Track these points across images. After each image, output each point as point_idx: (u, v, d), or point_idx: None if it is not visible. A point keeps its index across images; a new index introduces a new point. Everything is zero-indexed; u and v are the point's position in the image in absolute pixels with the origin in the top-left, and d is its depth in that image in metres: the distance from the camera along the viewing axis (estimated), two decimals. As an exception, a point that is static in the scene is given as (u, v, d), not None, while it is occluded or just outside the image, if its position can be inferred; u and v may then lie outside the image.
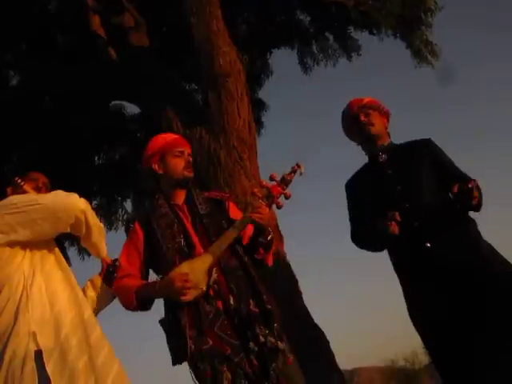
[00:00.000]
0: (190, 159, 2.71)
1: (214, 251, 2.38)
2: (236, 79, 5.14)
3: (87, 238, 2.70)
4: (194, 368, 2.25)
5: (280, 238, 4.71)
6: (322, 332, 4.45)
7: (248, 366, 2.24)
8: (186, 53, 6.79)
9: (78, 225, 2.59)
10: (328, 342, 4.43)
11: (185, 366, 2.34)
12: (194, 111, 5.44)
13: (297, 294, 4.50)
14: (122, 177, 7.66)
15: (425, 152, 2.94)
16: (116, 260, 2.75)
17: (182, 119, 5.24)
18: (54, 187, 2.74)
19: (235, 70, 5.17)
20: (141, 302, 2.44)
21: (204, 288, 2.33)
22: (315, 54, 8.05)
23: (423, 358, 36.55)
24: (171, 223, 2.54)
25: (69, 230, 2.60)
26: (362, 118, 3.00)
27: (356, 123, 3.03)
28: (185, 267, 2.35)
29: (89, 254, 6.77)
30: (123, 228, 7.93)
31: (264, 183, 2.52)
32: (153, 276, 2.61)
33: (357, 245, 3.06)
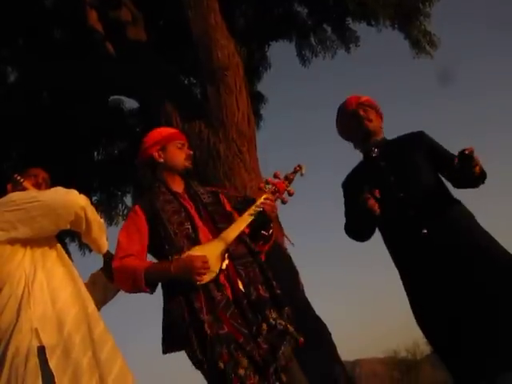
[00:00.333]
0: (191, 152, 2.77)
1: (227, 237, 2.43)
2: (234, 72, 5.13)
3: (88, 234, 2.70)
4: (211, 352, 2.22)
5: (280, 229, 4.72)
6: (324, 324, 4.46)
7: (257, 354, 2.25)
8: (184, 47, 6.77)
9: (78, 221, 2.59)
10: (330, 334, 4.44)
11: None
12: (193, 105, 5.44)
13: (298, 286, 4.51)
14: (121, 172, 7.65)
15: (417, 143, 2.98)
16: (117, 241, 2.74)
17: (180, 113, 5.23)
18: (53, 184, 2.74)
19: (233, 63, 5.16)
20: (149, 283, 2.39)
21: (217, 271, 2.35)
22: (313, 46, 8.01)
23: (425, 349, 36.67)
24: (178, 210, 2.55)
25: (69, 227, 2.61)
26: (362, 113, 3.05)
27: (355, 118, 3.06)
28: (197, 251, 2.37)
29: (90, 250, 6.77)
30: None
31: (270, 180, 2.62)
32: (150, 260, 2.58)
33: (349, 235, 3.10)
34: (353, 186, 3.09)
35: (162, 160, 2.69)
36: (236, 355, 2.22)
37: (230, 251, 2.44)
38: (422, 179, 2.87)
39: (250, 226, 2.57)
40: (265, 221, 2.57)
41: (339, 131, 3.26)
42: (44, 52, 6.65)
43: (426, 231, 2.72)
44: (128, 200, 8.17)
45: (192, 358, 2.33)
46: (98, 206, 7.78)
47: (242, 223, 2.49)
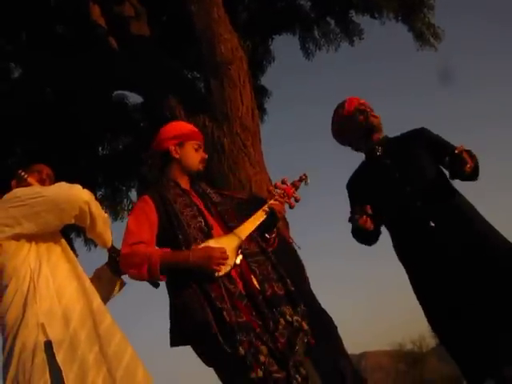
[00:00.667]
0: (205, 156, 2.79)
1: (241, 233, 2.46)
2: (238, 66, 5.12)
3: (92, 229, 2.70)
4: (230, 340, 2.21)
5: (286, 223, 4.72)
6: (330, 317, 4.47)
7: (274, 346, 2.26)
8: (187, 41, 6.77)
9: (83, 216, 2.59)
10: (336, 327, 4.45)
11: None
12: (197, 99, 5.43)
13: (304, 280, 4.52)
14: (126, 167, 7.66)
15: (419, 138, 3.00)
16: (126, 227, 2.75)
17: (184, 107, 5.23)
18: (58, 179, 2.74)
19: (237, 57, 5.15)
20: (164, 271, 2.37)
21: (232, 265, 2.37)
22: (317, 39, 7.98)
23: (430, 341, 36.70)
24: (189, 204, 2.55)
25: (73, 222, 2.61)
26: (368, 109, 3.06)
27: (360, 113, 3.06)
28: (213, 243, 2.38)
29: (95, 245, 6.78)
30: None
31: (278, 184, 2.69)
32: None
33: (356, 240, 3.11)
34: (356, 188, 3.11)
35: (177, 156, 2.69)
36: (256, 343, 2.23)
37: (242, 249, 2.44)
38: (426, 173, 2.89)
39: (259, 225, 2.58)
40: (271, 223, 2.61)
41: (337, 132, 3.23)
42: (47, 48, 6.65)
43: (433, 224, 2.72)
44: (133, 195, 8.19)
45: (206, 350, 2.33)
46: (102, 201, 7.80)
47: (255, 220, 2.53)
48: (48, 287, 2.46)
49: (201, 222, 2.49)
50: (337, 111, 3.17)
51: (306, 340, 2.39)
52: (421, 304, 2.86)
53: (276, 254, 2.66)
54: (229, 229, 2.51)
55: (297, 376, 2.26)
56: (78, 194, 2.56)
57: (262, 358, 2.20)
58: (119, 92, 7.61)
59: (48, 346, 2.33)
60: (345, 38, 7.89)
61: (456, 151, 2.63)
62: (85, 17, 6.08)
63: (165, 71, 5.71)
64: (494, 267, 2.58)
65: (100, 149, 7.94)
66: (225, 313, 2.23)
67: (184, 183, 2.68)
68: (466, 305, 2.60)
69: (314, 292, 4.55)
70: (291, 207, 2.67)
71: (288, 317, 2.35)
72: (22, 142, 7.19)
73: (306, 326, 2.39)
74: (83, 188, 2.60)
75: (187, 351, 2.36)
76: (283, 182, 2.69)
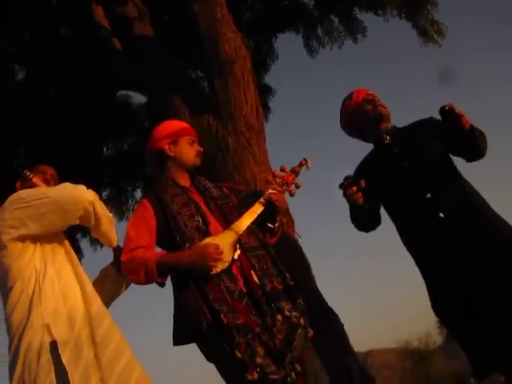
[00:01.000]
0: (201, 149, 2.75)
1: (237, 227, 2.43)
2: (242, 65, 5.12)
3: (97, 229, 2.70)
4: (227, 342, 2.22)
5: (291, 222, 4.72)
6: (336, 315, 4.46)
7: (273, 344, 2.26)
8: (191, 41, 6.77)
9: (87, 216, 2.59)
10: (342, 325, 4.44)
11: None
12: (201, 98, 5.44)
13: (309, 278, 4.51)
14: (131, 167, 7.67)
15: (428, 127, 2.98)
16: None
17: (188, 107, 5.23)
18: (63, 180, 2.73)
19: (241, 55, 5.15)
20: (162, 273, 2.38)
21: (229, 261, 2.35)
22: (320, 37, 7.99)
23: (437, 339, 36.61)
24: (187, 203, 2.54)
25: (78, 222, 2.61)
26: (377, 99, 3.05)
27: (368, 103, 3.05)
28: (209, 241, 2.36)
29: (101, 245, 6.79)
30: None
31: (277, 173, 2.63)
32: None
33: (355, 226, 3.08)
34: (364, 175, 3.07)
35: (172, 154, 2.68)
36: (253, 344, 2.22)
37: (242, 243, 2.44)
38: (435, 163, 2.87)
39: (257, 218, 2.57)
40: (272, 213, 2.57)
41: (345, 124, 3.22)
42: (51, 49, 6.66)
43: (442, 215, 2.72)
44: (138, 194, 8.21)
45: (206, 348, 2.35)
46: (108, 202, 7.82)
47: (252, 213, 2.49)
48: (53, 288, 2.47)
49: (198, 221, 2.48)
50: (345, 103, 3.16)
51: (304, 335, 2.38)
52: (429, 293, 2.85)
53: (281, 251, 2.65)
54: (228, 223, 2.49)
55: (292, 373, 2.26)
56: (82, 195, 2.57)
57: (258, 360, 2.20)
58: (123, 92, 7.63)
59: (53, 346, 2.33)
60: (348, 36, 7.89)
61: (446, 108, 2.59)
62: (88, 17, 6.09)
63: (168, 71, 5.72)
64: (503, 257, 2.58)
65: (105, 149, 7.96)
66: (222, 315, 2.23)
67: (184, 180, 2.67)
68: (475, 296, 2.59)
69: (320, 290, 4.55)
70: (291, 195, 2.62)
71: (286, 312, 2.34)
72: (27, 142, 7.20)
73: (304, 322, 2.38)
74: (88, 188, 2.61)
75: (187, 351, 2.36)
76: (282, 170, 2.64)
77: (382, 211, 3.04)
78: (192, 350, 2.39)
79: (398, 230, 2.98)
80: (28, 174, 2.78)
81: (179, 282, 2.41)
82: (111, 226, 2.77)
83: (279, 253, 2.60)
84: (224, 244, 2.37)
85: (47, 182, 2.81)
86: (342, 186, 2.74)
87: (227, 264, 2.34)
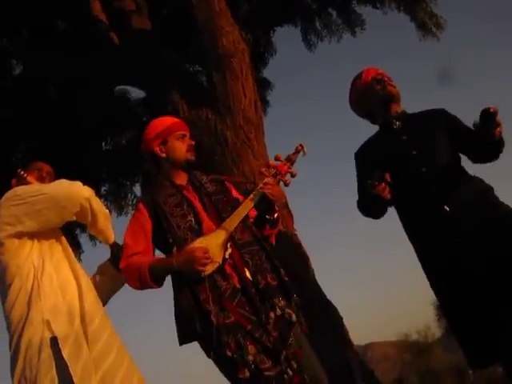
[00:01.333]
0: (193, 143, 2.72)
1: (228, 226, 2.42)
2: (240, 59, 5.11)
3: (94, 225, 2.71)
4: (217, 342, 2.24)
5: (290, 216, 4.72)
6: (335, 308, 4.47)
7: (267, 341, 2.26)
8: (189, 34, 6.74)
9: (84, 212, 2.60)
10: (341, 318, 4.45)
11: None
12: (199, 93, 5.42)
13: (308, 271, 4.52)
14: (129, 162, 7.65)
15: (439, 119, 2.95)
16: (123, 241, 2.77)
17: (187, 101, 5.21)
18: (62, 176, 2.74)
19: (239, 49, 5.14)
20: (155, 278, 2.41)
21: (220, 261, 2.35)
22: (319, 31, 7.96)
23: (436, 331, 36.72)
24: (179, 203, 2.54)
25: (74, 219, 2.62)
26: (386, 78, 3.01)
27: (377, 83, 3.01)
28: (200, 242, 2.36)
29: (100, 241, 6.79)
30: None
31: (271, 163, 2.59)
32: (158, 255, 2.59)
33: (361, 213, 3.06)
34: (367, 157, 3.04)
35: (164, 155, 2.66)
36: (244, 343, 2.23)
37: (235, 240, 2.43)
38: (443, 155, 2.84)
39: (256, 211, 2.58)
40: (268, 205, 2.54)
41: (354, 103, 3.18)
42: (48, 44, 6.63)
43: (447, 208, 2.71)
44: (137, 189, 8.19)
45: (202, 347, 2.36)
46: (107, 197, 7.82)
47: (242, 210, 2.47)
48: (52, 284, 2.48)
49: (191, 220, 2.48)
50: (354, 82, 3.12)
51: (299, 331, 2.38)
52: (431, 285, 2.84)
53: (280, 245, 2.65)
54: (222, 220, 2.47)
55: (288, 370, 2.26)
56: (78, 191, 2.57)
57: (249, 358, 2.21)
58: (121, 87, 7.59)
59: (54, 341, 2.35)
60: (347, 29, 7.86)
61: (491, 109, 2.54)
62: (85, 12, 6.06)
63: (167, 65, 5.70)
64: (506, 249, 2.57)
65: (103, 144, 7.93)
66: (212, 316, 2.24)
67: (180, 179, 2.66)
68: (477, 289, 2.58)
69: (319, 283, 4.55)
70: (286, 185, 2.57)
71: (278, 310, 2.33)
72: (25, 138, 7.19)
73: (297, 318, 2.37)
74: (87, 184, 2.61)
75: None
76: (277, 159, 2.60)
77: None
78: (190, 347, 2.41)
79: (401, 219, 2.97)
80: (22, 173, 2.78)
81: (175, 283, 2.43)
82: (108, 223, 2.78)
83: (278, 247, 2.60)
84: (214, 244, 2.36)
85: (43, 179, 2.82)
86: (369, 185, 2.67)
87: (217, 265, 2.34)
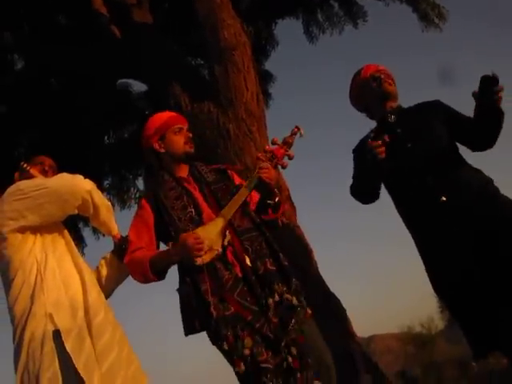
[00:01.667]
0: (190, 135, 2.74)
1: (225, 213, 2.44)
2: (242, 52, 5.10)
3: (96, 218, 2.73)
4: (215, 334, 2.27)
5: (293, 209, 4.73)
6: (338, 300, 4.48)
7: (268, 330, 2.27)
8: (190, 28, 6.73)
9: (86, 205, 2.61)
10: (344, 310, 4.46)
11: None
12: (201, 86, 5.41)
13: (311, 264, 4.53)
14: (132, 155, 7.64)
15: (434, 110, 2.97)
16: (128, 236, 2.78)
17: (189, 94, 5.22)
18: (64, 169, 2.74)
19: (240, 42, 5.13)
20: (156, 271, 2.43)
21: (219, 249, 2.36)
22: (320, 23, 7.94)
23: (439, 323, 36.72)
24: (180, 195, 2.56)
25: (76, 212, 2.63)
26: (382, 76, 3.03)
27: (374, 80, 3.04)
28: (199, 232, 2.37)
29: (103, 234, 6.80)
30: (136, 206, 7.92)
31: (267, 147, 2.60)
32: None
33: (354, 196, 3.07)
34: (364, 154, 3.05)
35: (163, 150, 2.69)
36: (242, 335, 2.25)
37: (235, 227, 2.45)
38: (438, 146, 2.85)
39: (259, 197, 2.60)
40: (266, 190, 2.55)
41: (353, 98, 3.23)
42: (50, 38, 6.63)
43: (444, 198, 2.71)
44: (140, 183, 8.20)
45: (208, 337, 2.37)
46: (109, 190, 7.82)
47: (239, 198, 2.48)
48: (55, 278, 2.49)
49: (191, 211, 2.50)
50: (354, 77, 3.18)
51: (301, 315, 2.39)
52: (431, 279, 2.85)
53: (283, 238, 2.65)
54: (221, 208, 2.49)
55: (288, 356, 2.28)
56: (80, 184, 2.58)
57: (246, 352, 2.23)
58: (123, 80, 7.58)
59: (56, 335, 2.36)
60: (349, 21, 7.83)
61: (492, 74, 2.54)
62: (87, 6, 6.05)
63: (168, 58, 5.69)
64: (505, 239, 2.57)
65: (106, 138, 7.94)
66: (212, 307, 2.25)
67: (181, 171, 2.69)
68: (480, 279, 2.59)
69: (322, 275, 4.56)
70: (283, 167, 2.59)
71: (277, 295, 2.34)
72: (27, 133, 7.19)
73: (297, 302, 2.38)
74: (90, 177, 2.62)
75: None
76: (273, 143, 2.61)
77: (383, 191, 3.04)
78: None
79: (398, 211, 2.98)
80: (25, 166, 2.79)
81: (179, 275, 2.46)
82: (110, 215, 2.79)
83: (281, 239, 2.60)
84: (212, 232, 2.38)
85: (45, 173, 2.82)
86: (368, 136, 2.72)
87: (217, 252, 2.36)
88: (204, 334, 2.36)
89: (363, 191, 3.06)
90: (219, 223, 2.41)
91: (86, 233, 7.61)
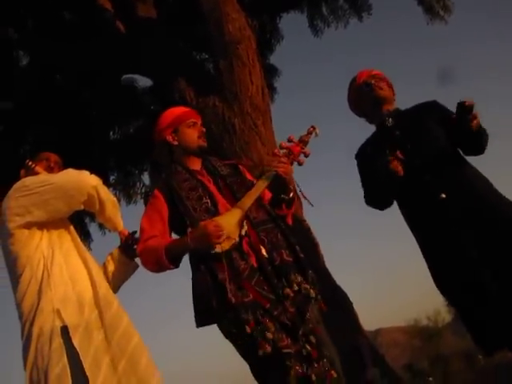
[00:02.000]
0: (204, 129, 2.76)
1: (243, 204, 2.44)
2: (247, 46, 5.09)
3: (102, 213, 2.73)
4: (235, 320, 2.25)
5: (299, 203, 4.73)
6: (345, 293, 4.48)
7: (285, 318, 2.27)
8: (195, 22, 6.72)
9: (91, 201, 2.62)
10: (351, 303, 4.47)
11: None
12: (206, 80, 5.41)
13: (318, 257, 4.53)
14: (137, 150, 7.65)
15: (430, 111, 3.00)
16: (135, 232, 2.78)
17: (194, 89, 5.22)
18: (70, 165, 2.74)
19: (245, 36, 5.12)
20: (171, 258, 2.42)
21: (237, 238, 2.37)
22: (325, 16, 7.92)
23: (446, 316, 36.66)
24: (195, 186, 2.56)
25: (82, 208, 2.63)
26: (373, 82, 3.07)
27: (366, 86, 3.08)
28: (215, 221, 2.37)
29: (109, 229, 6.82)
30: (142, 201, 7.96)
31: (283, 144, 2.61)
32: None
33: (370, 205, 3.10)
34: (367, 157, 3.09)
35: (176, 143, 2.70)
36: (263, 321, 2.23)
37: (251, 219, 2.45)
38: (437, 145, 2.88)
39: (271, 192, 2.61)
40: (282, 185, 2.57)
41: (351, 104, 3.28)
42: (54, 34, 6.63)
43: (444, 196, 2.72)
44: (145, 178, 8.20)
45: (221, 328, 2.36)
46: (115, 186, 7.83)
47: (256, 190, 2.49)
48: (62, 274, 2.50)
49: (207, 202, 2.50)
50: (350, 84, 3.22)
51: (317, 306, 2.40)
52: (433, 277, 2.86)
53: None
54: (237, 201, 2.50)
55: (306, 345, 2.28)
56: (85, 180, 2.59)
57: (269, 335, 2.21)
58: (128, 76, 7.59)
59: (64, 330, 2.37)
60: (353, 14, 7.81)
61: (466, 103, 2.62)
62: (91, 1, 6.05)
63: (173, 53, 5.69)
64: (505, 235, 2.58)
65: (111, 133, 7.95)
66: (230, 294, 2.24)
67: (194, 164, 2.69)
68: (480, 276, 2.59)
69: (329, 269, 4.56)
70: (300, 164, 2.60)
71: (295, 285, 2.34)
72: (33, 129, 7.21)
73: (314, 293, 2.38)
74: (95, 173, 2.62)
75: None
76: (289, 140, 2.62)
77: None
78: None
79: (402, 213, 3.00)
80: (30, 163, 2.79)
81: (193, 263, 2.44)
82: (116, 211, 2.79)
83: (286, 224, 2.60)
84: (230, 222, 2.38)
85: (51, 169, 2.83)
86: (386, 162, 2.76)
87: (234, 241, 2.36)
88: (196, 331, 2.35)
89: (380, 201, 3.10)
90: (236, 214, 2.42)
91: (93, 228, 7.64)
